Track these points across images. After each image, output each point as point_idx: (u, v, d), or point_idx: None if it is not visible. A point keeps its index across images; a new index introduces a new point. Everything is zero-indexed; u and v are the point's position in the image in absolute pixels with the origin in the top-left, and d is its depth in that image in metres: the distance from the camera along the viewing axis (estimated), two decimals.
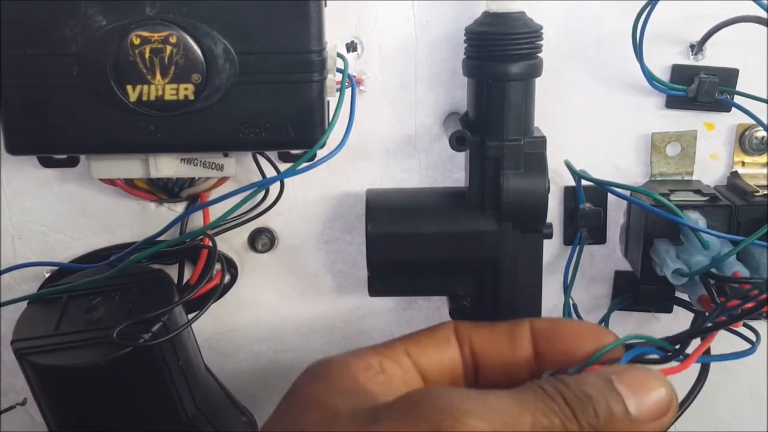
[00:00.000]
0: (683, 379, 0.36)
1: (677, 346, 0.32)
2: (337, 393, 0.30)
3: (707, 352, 0.36)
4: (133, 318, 0.39)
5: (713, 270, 0.40)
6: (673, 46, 0.45)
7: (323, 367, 0.32)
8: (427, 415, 0.26)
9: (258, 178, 0.45)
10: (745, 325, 0.41)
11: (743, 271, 0.40)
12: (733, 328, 0.37)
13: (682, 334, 0.33)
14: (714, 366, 0.40)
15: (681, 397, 0.38)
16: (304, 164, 0.39)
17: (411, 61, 0.45)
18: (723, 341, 0.37)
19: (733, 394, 0.51)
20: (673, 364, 0.32)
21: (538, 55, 0.41)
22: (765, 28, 0.41)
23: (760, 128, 0.46)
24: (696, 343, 0.35)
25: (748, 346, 0.39)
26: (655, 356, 0.33)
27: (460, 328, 0.35)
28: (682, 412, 0.39)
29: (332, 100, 0.41)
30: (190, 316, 0.41)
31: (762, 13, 0.40)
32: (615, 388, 0.28)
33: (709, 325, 0.32)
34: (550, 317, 0.35)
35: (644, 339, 0.32)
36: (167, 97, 0.38)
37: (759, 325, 0.41)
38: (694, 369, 0.39)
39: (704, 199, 0.44)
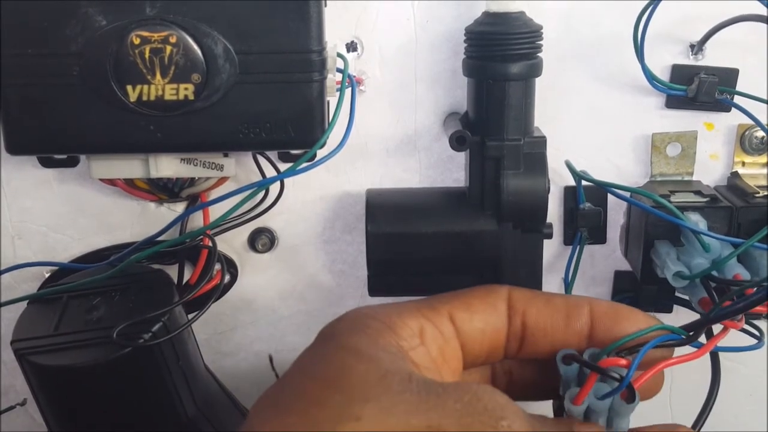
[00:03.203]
0: (697, 380, 0.37)
1: (691, 333, 0.33)
2: (383, 350, 0.28)
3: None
4: (133, 318, 0.39)
5: (714, 272, 0.40)
6: (673, 46, 0.45)
7: (363, 320, 0.30)
8: (479, 412, 0.26)
9: (258, 178, 0.45)
10: (750, 324, 0.41)
11: (744, 274, 0.40)
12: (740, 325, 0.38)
13: (694, 322, 0.33)
14: None
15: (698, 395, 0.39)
16: (304, 164, 0.39)
17: (411, 61, 0.45)
18: (729, 339, 0.38)
19: (733, 394, 0.51)
20: (690, 350, 0.32)
21: (538, 55, 0.41)
22: (765, 28, 0.41)
23: (760, 128, 0.46)
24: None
25: (754, 341, 0.40)
26: (672, 341, 0.33)
27: (515, 297, 0.33)
28: (708, 413, 0.40)
29: (332, 100, 0.41)
30: (190, 316, 0.41)
31: (763, 11, 0.39)
32: None
33: (713, 316, 0.33)
34: (609, 301, 0.34)
35: (667, 328, 0.33)
36: (167, 97, 0.38)
37: (762, 324, 0.42)
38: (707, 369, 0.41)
39: (705, 200, 0.44)
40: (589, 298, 0.34)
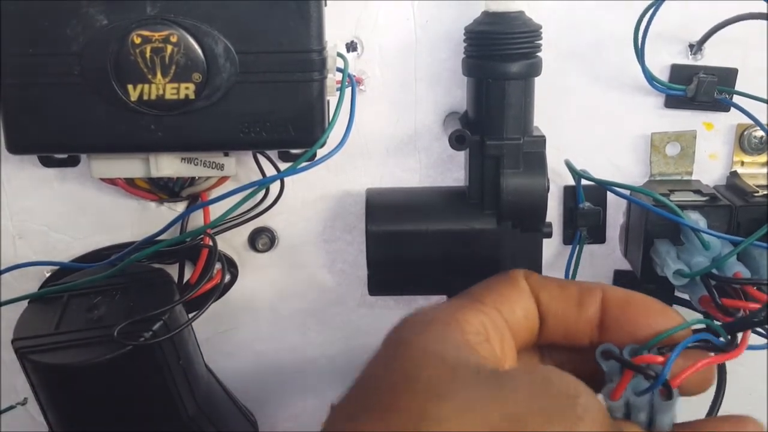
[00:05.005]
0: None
1: (729, 338, 0.33)
2: (450, 347, 0.28)
3: None
4: (134, 317, 0.39)
5: (714, 271, 0.40)
6: (672, 46, 0.45)
7: (428, 320, 0.30)
8: (553, 394, 0.26)
9: (258, 177, 0.45)
10: None
11: (744, 272, 0.40)
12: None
13: (736, 323, 0.33)
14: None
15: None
16: (304, 163, 0.39)
17: (411, 60, 0.45)
18: None
19: (733, 394, 0.51)
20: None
21: (538, 54, 0.41)
22: (764, 27, 0.41)
23: (759, 128, 0.46)
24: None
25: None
26: (710, 342, 0.33)
27: (531, 280, 0.33)
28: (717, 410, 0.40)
29: (332, 99, 0.41)
30: (191, 315, 0.41)
31: (762, 9, 0.40)
32: None
33: (759, 318, 0.33)
34: (625, 290, 0.34)
35: (706, 323, 0.33)
36: (168, 96, 0.38)
37: None
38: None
39: (704, 199, 0.44)
40: (603, 285, 0.33)
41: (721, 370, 0.41)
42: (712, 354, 0.32)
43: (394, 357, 0.28)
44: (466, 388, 0.25)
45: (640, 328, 0.32)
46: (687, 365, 0.30)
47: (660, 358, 0.30)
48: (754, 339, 0.41)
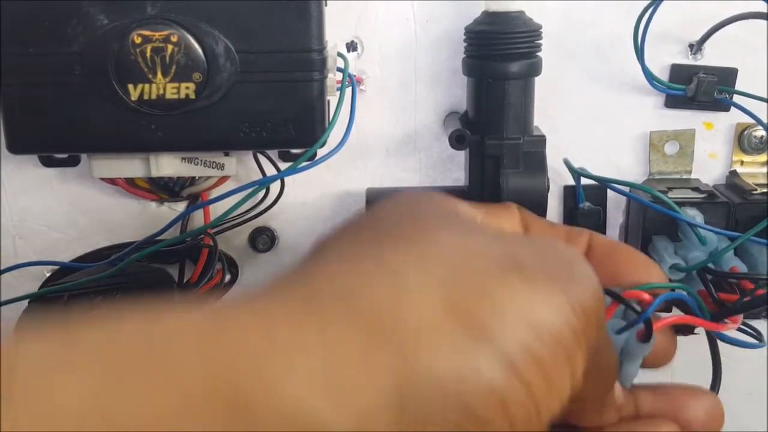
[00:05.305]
0: (696, 379, 0.37)
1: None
2: (453, 212, 0.27)
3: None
4: None
5: (711, 265, 0.40)
6: (672, 46, 0.45)
7: (425, 194, 0.28)
8: (556, 254, 0.25)
9: (258, 177, 0.45)
10: (747, 325, 0.41)
11: (741, 267, 0.40)
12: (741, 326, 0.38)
13: (721, 312, 0.34)
14: None
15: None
16: (305, 163, 0.39)
17: (411, 60, 0.45)
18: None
19: (732, 393, 0.51)
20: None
21: (538, 54, 0.41)
22: (764, 27, 0.41)
23: (759, 127, 0.46)
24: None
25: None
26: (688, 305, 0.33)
27: (523, 212, 0.33)
28: None
29: (332, 99, 0.41)
30: None
31: (762, 9, 0.40)
32: None
33: (741, 305, 0.33)
34: (610, 238, 0.34)
35: (687, 290, 0.33)
36: (168, 95, 0.38)
37: (760, 324, 0.42)
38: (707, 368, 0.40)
39: (702, 196, 0.44)
40: (591, 232, 0.34)
41: (717, 370, 0.41)
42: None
43: (391, 208, 0.27)
44: (472, 227, 0.26)
45: (623, 275, 0.32)
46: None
47: (647, 295, 0.30)
48: (753, 338, 0.41)
